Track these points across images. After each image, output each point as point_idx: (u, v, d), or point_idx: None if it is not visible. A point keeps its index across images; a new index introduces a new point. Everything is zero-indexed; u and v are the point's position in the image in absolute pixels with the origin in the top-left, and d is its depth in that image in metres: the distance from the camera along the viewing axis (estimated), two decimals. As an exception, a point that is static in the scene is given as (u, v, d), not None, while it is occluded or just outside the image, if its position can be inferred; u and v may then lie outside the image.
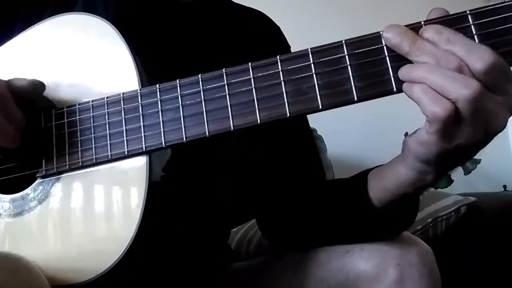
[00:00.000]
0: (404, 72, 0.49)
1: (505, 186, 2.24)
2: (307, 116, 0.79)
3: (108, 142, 0.59)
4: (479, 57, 0.46)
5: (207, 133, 0.55)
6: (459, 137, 0.48)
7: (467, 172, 1.99)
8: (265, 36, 0.81)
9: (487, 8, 0.47)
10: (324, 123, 1.61)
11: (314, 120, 0.84)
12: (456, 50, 0.47)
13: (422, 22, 0.49)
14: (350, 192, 0.66)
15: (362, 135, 2.16)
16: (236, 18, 0.81)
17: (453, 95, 0.46)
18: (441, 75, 0.46)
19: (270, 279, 0.76)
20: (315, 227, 0.72)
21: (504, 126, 0.48)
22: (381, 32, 0.50)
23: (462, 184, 2.04)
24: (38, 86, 0.61)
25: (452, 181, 1.95)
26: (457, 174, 1.97)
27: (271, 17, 0.84)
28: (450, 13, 0.50)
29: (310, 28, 2.04)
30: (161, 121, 0.57)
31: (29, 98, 0.61)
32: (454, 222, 1.46)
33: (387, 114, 1.94)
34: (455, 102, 0.46)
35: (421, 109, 0.48)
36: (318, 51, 0.52)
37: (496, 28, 0.47)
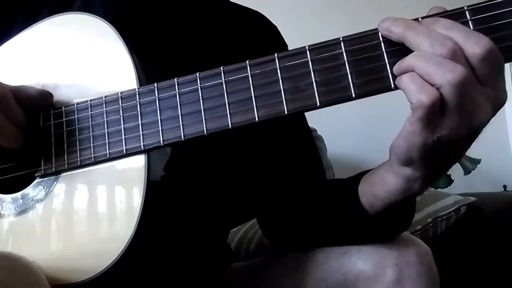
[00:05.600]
0: (396, 65, 0.48)
1: (505, 186, 2.24)
2: (307, 116, 0.79)
3: (107, 141, 0.58)
4: (477, 42, 0.45)
5: (205, 132, 0.55)
6: (443, 128, 0.47)
7: (467, 172, 1.99)
8: (262, 36, 0.81)
9: (485, 4, 0.47)
10: (324, 123, 1.61)
11: (314, 120, 0.84)
12: (453, 35, 0.46)
13: (420, 19, 0.49)
14: (343, 197, 0.66)
15: (362, 135, 2.15)
16: (233, 17, 0.81)
17: (438, 80, 0.45)
18: (428, 60, 0.45)
19: (270, 278, 0.76)
20: (314, 227, 0.72)
21: (487, 122, 0.47)
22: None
23: (462, 184, 2.04)
24: (47, 97, 0.61)
25: (452, 181, 1.95)
26: (457, 174, 1.97)
27: (268, 16, 0.84)
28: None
29: (307, 26, 2.04)
30: (159, 119, 0.57)
31: (36, 107, 0.61)
32: (454, 222, 1.45)
33: (387, 114, 1.93)
34: (440, 88, 0.45)
35: (407, 97, 0.47)
36: (316, 48, 0.52)
37: (494, 23, 0.47)
